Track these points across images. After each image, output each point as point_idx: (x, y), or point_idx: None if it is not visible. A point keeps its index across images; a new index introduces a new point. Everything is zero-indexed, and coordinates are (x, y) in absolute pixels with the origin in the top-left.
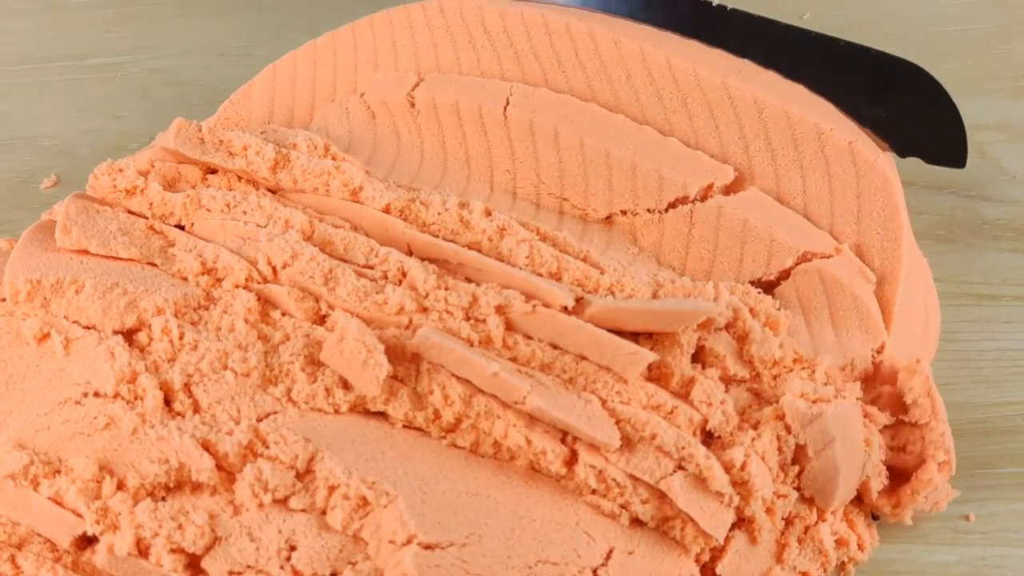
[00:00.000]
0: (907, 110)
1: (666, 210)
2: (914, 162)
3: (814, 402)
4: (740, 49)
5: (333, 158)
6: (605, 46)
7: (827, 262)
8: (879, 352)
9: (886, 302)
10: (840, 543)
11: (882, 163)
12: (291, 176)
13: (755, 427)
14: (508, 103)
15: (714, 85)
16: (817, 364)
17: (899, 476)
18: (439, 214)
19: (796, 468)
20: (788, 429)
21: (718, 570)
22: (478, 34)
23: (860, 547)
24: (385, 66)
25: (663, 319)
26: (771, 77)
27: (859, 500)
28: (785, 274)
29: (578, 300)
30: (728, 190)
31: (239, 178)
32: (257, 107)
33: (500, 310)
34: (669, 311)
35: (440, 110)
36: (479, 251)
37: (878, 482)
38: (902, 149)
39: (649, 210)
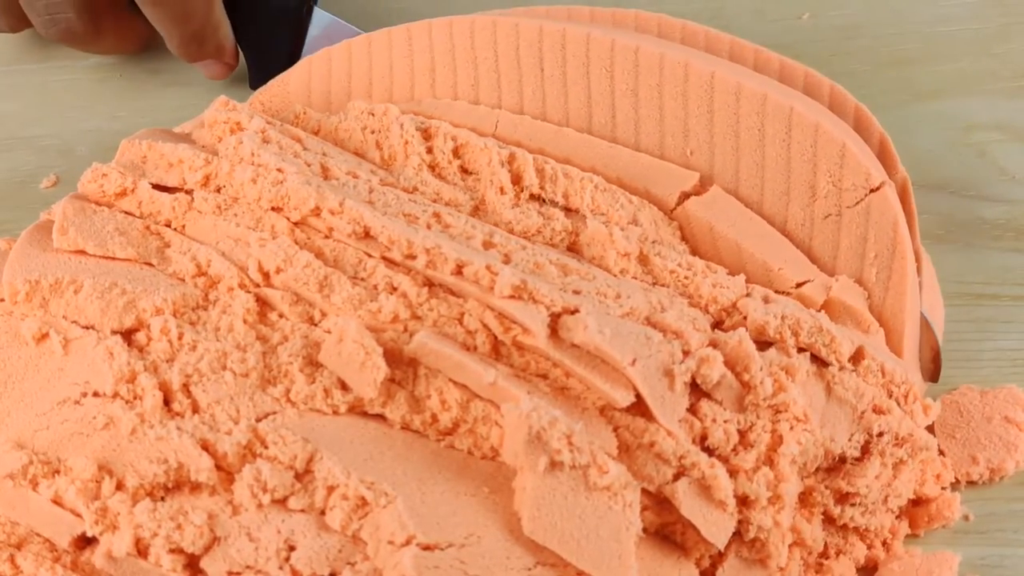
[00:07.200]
0: None
1: None
2: (914, 162)
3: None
4: None
5: (279, 170)
6: (623, 50)
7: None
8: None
9: (896, 333)
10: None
11: (888, 191)
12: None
13: (769, 460)
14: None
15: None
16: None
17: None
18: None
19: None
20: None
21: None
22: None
23: None
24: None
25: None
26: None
27: None
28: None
29: (556, 317)
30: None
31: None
32: (295, 94)
33: (486, 329)
34: (647, 396)
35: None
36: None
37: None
38: None
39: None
